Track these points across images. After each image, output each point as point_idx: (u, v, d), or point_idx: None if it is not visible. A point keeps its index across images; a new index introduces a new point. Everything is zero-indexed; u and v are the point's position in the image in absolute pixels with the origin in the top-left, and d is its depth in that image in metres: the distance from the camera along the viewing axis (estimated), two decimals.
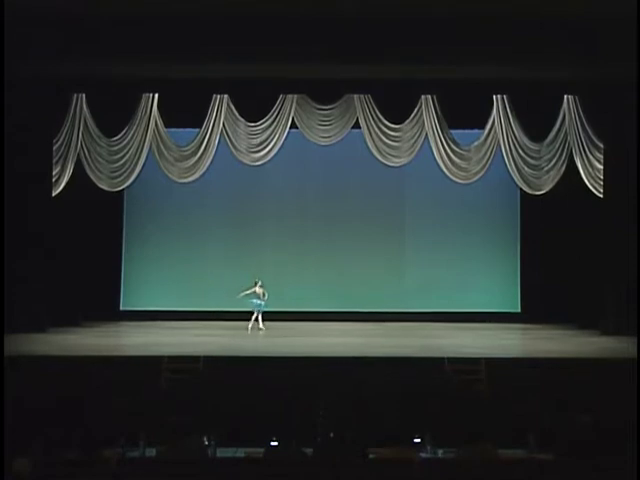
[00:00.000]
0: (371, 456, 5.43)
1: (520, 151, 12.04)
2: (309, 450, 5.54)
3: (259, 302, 12.21)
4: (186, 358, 9.25)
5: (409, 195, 14.24)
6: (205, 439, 5.95)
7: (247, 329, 12.11)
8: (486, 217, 14.15)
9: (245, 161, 12.42)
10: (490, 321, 13.38)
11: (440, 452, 5.95)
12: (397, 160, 12.41)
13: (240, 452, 6.04)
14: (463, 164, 12.28)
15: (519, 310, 13.99)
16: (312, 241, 14.15)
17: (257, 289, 12.21)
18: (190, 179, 12.38)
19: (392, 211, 14.26)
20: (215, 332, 12.16)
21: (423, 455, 5.82)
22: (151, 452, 5.80)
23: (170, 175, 12.36)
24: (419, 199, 14.19)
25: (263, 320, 12.31)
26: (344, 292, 13.90)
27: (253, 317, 12.25)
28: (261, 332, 12.09)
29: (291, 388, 8.06)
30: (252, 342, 11.15)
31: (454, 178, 12.38)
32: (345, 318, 13.49)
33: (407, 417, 7.22)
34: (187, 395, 8.04)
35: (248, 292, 12.19)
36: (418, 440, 6.05)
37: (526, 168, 12.11)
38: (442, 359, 9.23)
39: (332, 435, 5.97)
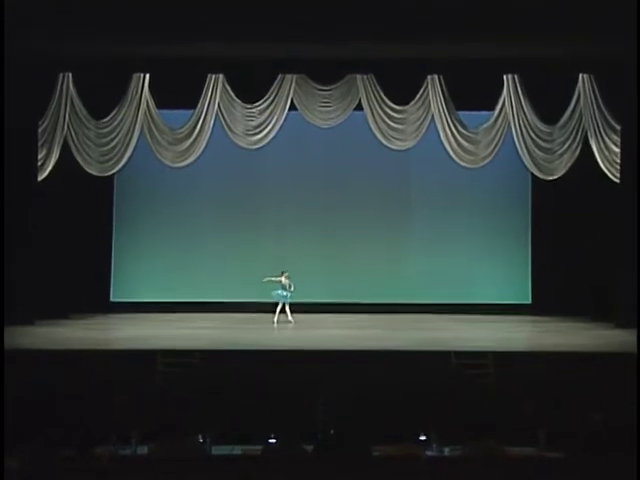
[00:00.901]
0: (374, 454, 5.47)
1: (531, 134, 12.01)
2: (309, 447, 5.58)
3: (285, 293, 12.22)
4: (180, 352, 9.30)
5: (414, 180, 14.23)
6: (200, 436, 5.99)
7: (273, 322, 12.17)
8: (495, 204, 14.15)
9: (242, 144, 12.40)
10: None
11: (447, 450, 5.99)
12: (402, 143, 12.40)
13: (237, 450, 6.08)
14: (471, 147, 12.26)
15: (530, 301, 14.04)
16: (312, 229, 14.18)
17: (283, 279, 12.21)
18: (184, 163, 12.37)
19: (396, 197, 14.27)
20: (211, 325, 12.19)
21: (429, 453, 5.86)
22: (143, 450, 5.83)
23: (163, 159, 12.35)
24: (425, 184, 14.19)
25: (282, 312, 12.30)
26: (345, 283, 13.94)
27: (278, 309, 12.29)
28: (290, 325, 12.12)
29: (290, 382, 8.10)
30: (249, 335, 11.19)
31: (461, 162, 12.37)
32: (347, 310, 13.54)
33: (412, 413, 7.26)
34: (181, 390, 8.08)
35: (274, 279, 12.20)
36: (424, 437, 6.09)
37: (538, 152, 12.08)
38: (448, 353, 9.28)
39: (333, 432, 6.00)
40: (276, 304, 12.32)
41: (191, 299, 13.82)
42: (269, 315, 12.57)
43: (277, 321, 12.23)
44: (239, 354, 9.37)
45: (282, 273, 12.26)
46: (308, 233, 14.14)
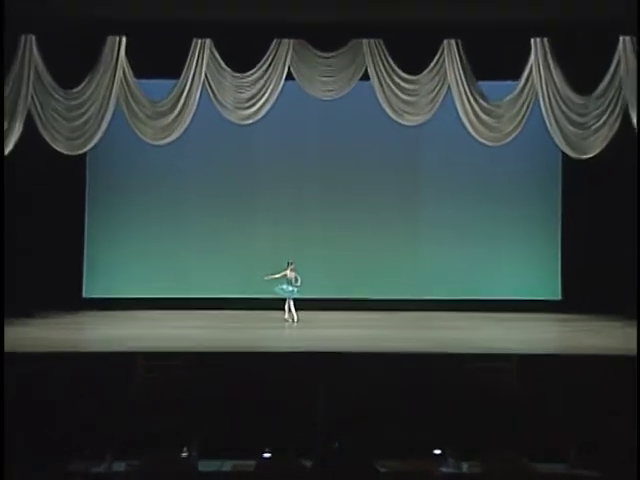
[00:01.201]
0: (381, 470, 5.47)
1: (563, 106, 11.92)
2: (308, 462, 5.58)
3: (291, 288, 12.23)
4: (163, 354, 9.30)
5: (428, 160, 14.21)
6: (185, 450, 5.99)
7: (292, 321, 12.20)
8: (520, 187, 14.15)
9: (232, 119, 12.35)
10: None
11: (465, 466, 6.00)
12: (414, 118, 12.34)
13: (226, 465, 6.09)
14: (493, 122, 12.19)
15: (559, 297, 14.04)
16: (312, 215, 14.16)
17: (288, 273, 12.22)
18: (166, 141, 12.31)
19: (407, 180, 14.26)
20: (197, 323, 12.23)
21: (444, 470, 5.87)
22: (120, 467, 5.84)
23: (142, 136, 12.29)
24: (440, 165, 14.18)
25: (285, 309, 12.35)
26: (349, 276, 13.97)
27: (291, 306, 12.32)
28: (287, 324, 12.16)
29: (287, 388, 8.11)
30: (242, 335, 11.24)
31: (482, 139, 12.30)
32: (351, 307, 13.57)
33: (424, 424, 7.27)
34: (164, 398, 8.09)
35: (277, 275, 12.21)
36: (438, 452, 6.10)
37: (570, 127, 11.99)
38: (466, 355, 9.28)
39: (336, 445, 6.01)
40: (283, 300, 12.33)
41: (176, 295, 13.82)
42: (264, 313, 12.60)
43: (295, 319, 12.24)
44: (230, 357, 9.37)
45: (288, 265, 12.24)
46: (307, 219, 14.12)
